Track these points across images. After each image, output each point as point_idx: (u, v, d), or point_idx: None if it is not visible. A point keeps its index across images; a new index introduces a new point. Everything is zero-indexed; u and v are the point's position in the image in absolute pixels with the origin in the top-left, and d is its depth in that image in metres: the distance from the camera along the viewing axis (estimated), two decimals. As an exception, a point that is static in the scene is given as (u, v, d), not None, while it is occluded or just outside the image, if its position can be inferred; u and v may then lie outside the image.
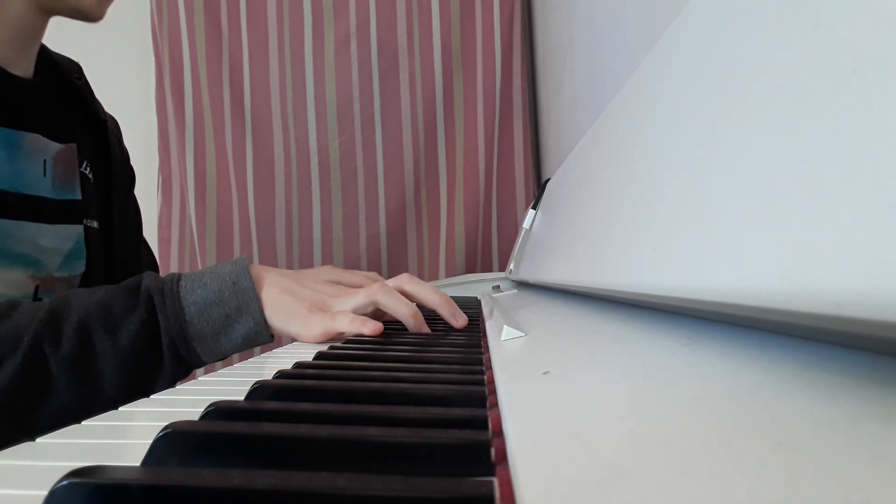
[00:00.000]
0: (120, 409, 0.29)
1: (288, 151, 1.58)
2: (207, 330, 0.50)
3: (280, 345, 0.56)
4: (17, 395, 0.43)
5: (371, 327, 0.50)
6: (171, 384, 0.50)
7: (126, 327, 0.47)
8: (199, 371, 0.53)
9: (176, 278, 0.51)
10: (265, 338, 0.52)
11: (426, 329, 0.54)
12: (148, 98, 1.62)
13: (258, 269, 0.54)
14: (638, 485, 0.12)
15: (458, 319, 0.57)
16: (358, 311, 0.53)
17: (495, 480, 0.15)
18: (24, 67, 0.64)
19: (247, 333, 0.51)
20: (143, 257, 0.87)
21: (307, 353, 0.43)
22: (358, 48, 1.58)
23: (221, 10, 1.58)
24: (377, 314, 0.55)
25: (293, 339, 0.57)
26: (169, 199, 1.62)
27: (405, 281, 0.57)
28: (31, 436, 0.25)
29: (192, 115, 1.58)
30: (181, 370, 0.50)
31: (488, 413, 0.21)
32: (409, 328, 0.54)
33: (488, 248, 1.59)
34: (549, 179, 0.83)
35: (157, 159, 1.61)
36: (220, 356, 0.51)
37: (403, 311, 0.53)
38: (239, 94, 1.59)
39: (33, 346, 0.44)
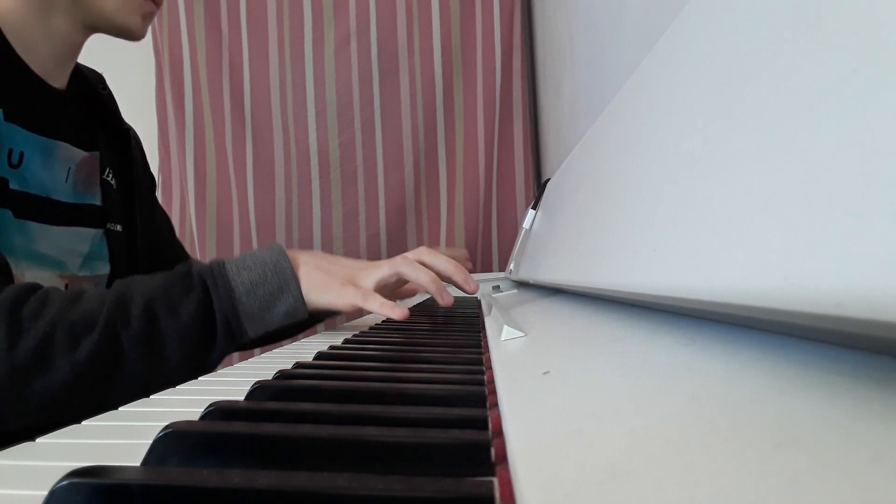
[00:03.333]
0: (120, 409, 0.29)
1: (288, 151, 1.58)
2: (255, 307, 0.55)
3: (281, 344, 0.56)
4: (96, 368, 0.48)
5: (399, 313, 0.56)
6: (221, 358, 0.55)
7: (186, 307, 0.52)
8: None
9: (221, 263, 0.57)
10: (302, 313, 0.57)
11: (447, 294, 0.61)
12: (148, 98, 1.62)
13: (293, 252, 0.60)
14: (638, 485, 0.12)
15: (470, 285, 0.63)
16: (383, 282, 0.60)
17: (495, 480, 0.15)
18: (60, 80, 0.67)
19: (287, 309, 0.56)
20: (179, 258, 0.90)
21: (307, 354, 0.43)
22: (358, 48, 1.58)
23: (221, 10, 1.58)
24: (400, 283, 0.62)
25: (329, 312, 0.62)
26: (169, 199, 1.62)
27: (423, 253, 0.64)
28: (105, 408, 0.27)
29: (192, 115, 1.58)
30: (231, 345, 0.55)
31: (488, 413, 0.21)
32: (430, 293, 0.61)
33: (488, 248, 1.59)
34: (549, 179, 0.83)
35: (157, 159, 1.61)
36: (263, 330, 0.56)
37: (424, 279, 0.60)
38: (239, 94, 1.59)
39: (107, 325, 0.49)
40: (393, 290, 0.63)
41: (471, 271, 0.72)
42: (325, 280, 0.58)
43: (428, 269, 0.61)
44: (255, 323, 0.56)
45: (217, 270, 0.55)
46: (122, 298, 0.51)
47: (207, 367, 0.54)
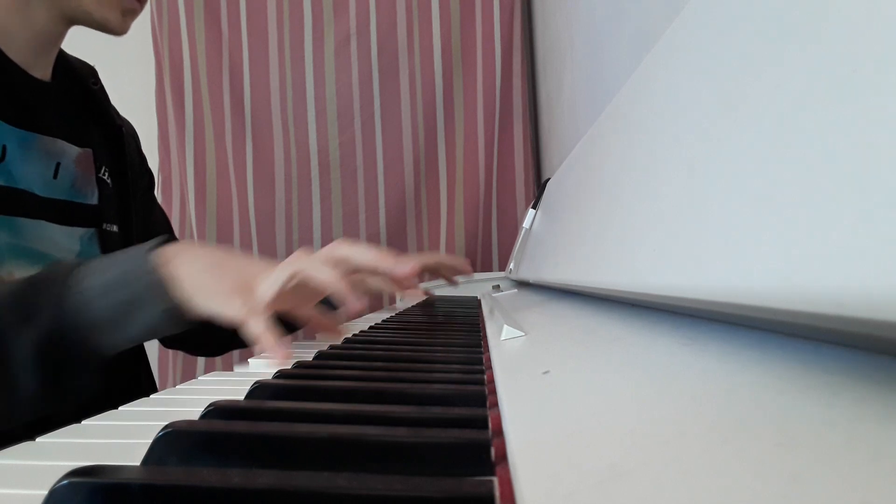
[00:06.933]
0: (120, 408, 0.29)
1: (288, 151, 1.58)
2: (106, 315, 0.45)
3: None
4: None
5: (279, 353, 0.41)
6: (92, 381, 0.47)
7: (37, 317, 0.44)
8: (199, 370, 0.52)
9: (77, 263, 0.47)
10: (178, 322, 0.47)
11: (352, 299, 0.45)
12: (148, 98, 1.62)
13: (179, 247, 0.48)
14: (638, 485, 0.12)
15: (399, 268, 0.49)
16: (282, 289, 0.46)
17: (495, 480, 0.15)
18: (42, 70, 0.65)
19: (151, 320, 0.46)
20: None
21: (307, 353, 0.43)
22: (358, 48, 1.58)
23: (221, 11, 1.58)
24: (315, 290, 0.49)
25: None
26: (169, 199, 1.62)
27: (335, 247, 0.50)
28: None
29: (192, 115, 1.58)
30: (90, 359, 0.46)
31: (488, 413, 0.21)
32: (336, 296, 0.45)
33: (488, 248, 1.59)
34: (549, 179, 0.83)
35: (157, 159, 1.61)
36: (126, 343, 0.47)
37: (325, 278, 0.46)
38: (239, 94, 1.59)
39: None
40: (309, 298, 0.51)
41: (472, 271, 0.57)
42: (211, 284, 0.46)
43: (342, 264, 0.49)
44: (108, 334, 0.45)
45: (63, 274, 0.46)
46: None
47: (77, 390, 0.46)
